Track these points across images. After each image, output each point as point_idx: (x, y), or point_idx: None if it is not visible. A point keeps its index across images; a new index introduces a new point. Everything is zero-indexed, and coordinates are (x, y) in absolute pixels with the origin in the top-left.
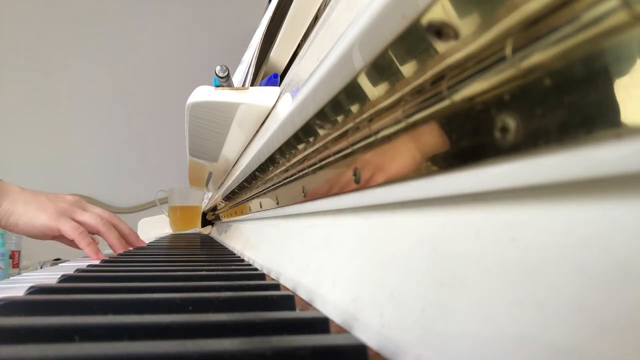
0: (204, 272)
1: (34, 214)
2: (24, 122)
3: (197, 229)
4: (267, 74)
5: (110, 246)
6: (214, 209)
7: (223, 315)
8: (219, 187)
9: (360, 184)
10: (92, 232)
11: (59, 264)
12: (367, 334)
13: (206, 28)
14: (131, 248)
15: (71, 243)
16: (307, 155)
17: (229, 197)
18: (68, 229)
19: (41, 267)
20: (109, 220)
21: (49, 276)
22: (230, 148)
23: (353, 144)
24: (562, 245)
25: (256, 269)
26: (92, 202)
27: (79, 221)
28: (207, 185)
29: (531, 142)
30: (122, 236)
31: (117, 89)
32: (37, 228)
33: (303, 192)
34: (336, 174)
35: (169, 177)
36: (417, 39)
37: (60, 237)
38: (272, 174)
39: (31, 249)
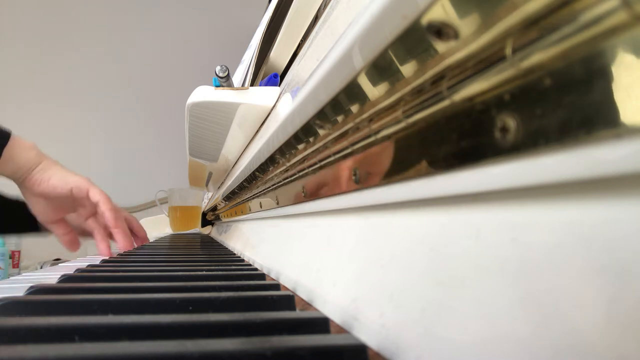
0: (204, 272)
1: (67, 174)
2: (23, 122)
3: (197, 229)
4: (267, 74)
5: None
6: (214, 209)
7: (223, 315)
8: (219, 187)
9: (360, 184)
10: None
11: (59, 264)
12: (367, 334)
13: (206, 28)
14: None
15: (70, 233)
16: (307, 155)
17: (229, 197)
18: (97, 192)
19: (41, 267)
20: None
21: (49, 276)
22: (230, 148)
23: (353, 144)
24: (562, 245)
25: (256, 269)
26: None
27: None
28: (207, 185)
29: (531, 142)
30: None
31: (117, 89)
32: (69, 184)
33: (303, 192)
34: (336, 174)
35: (169, 177)
36: (417, 39)
37: (61, 223)
38: (272, 174)
39: (31, 249)
